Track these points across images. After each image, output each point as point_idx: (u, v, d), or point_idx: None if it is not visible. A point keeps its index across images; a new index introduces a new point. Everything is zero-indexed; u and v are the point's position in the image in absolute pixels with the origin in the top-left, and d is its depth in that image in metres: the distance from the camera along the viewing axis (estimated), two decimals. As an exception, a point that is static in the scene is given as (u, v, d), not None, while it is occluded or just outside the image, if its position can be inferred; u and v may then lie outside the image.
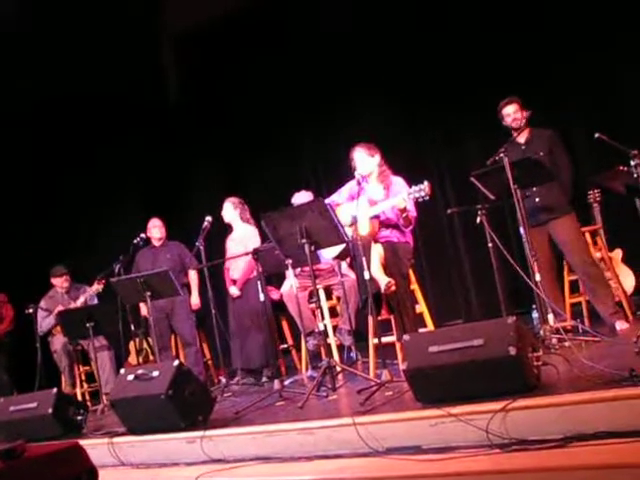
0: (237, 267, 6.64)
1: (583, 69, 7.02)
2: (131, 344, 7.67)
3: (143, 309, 7.03)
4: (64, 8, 7.71)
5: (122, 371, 4.80)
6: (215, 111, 9.12)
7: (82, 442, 3.95)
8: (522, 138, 5.50)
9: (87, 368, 7.47)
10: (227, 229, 6.85)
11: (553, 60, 7.04)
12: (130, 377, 4.56)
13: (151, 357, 7.60)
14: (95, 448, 4.52)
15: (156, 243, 7.19)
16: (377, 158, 5.27)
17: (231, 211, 6.72)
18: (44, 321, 7.24)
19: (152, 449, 4.44)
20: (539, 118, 5.45)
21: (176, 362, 4.48)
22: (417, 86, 7.86)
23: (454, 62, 7.56)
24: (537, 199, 5.40)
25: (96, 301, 7.23)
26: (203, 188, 9.26)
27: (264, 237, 6.37)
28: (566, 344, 4.55)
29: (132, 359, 7.73)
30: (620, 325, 5.22)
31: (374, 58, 7.94)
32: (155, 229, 7.16)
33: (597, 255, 5.94)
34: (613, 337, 4.92)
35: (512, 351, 3.26)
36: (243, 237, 6.66)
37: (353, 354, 6.15)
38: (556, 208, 5.38)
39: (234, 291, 6.59)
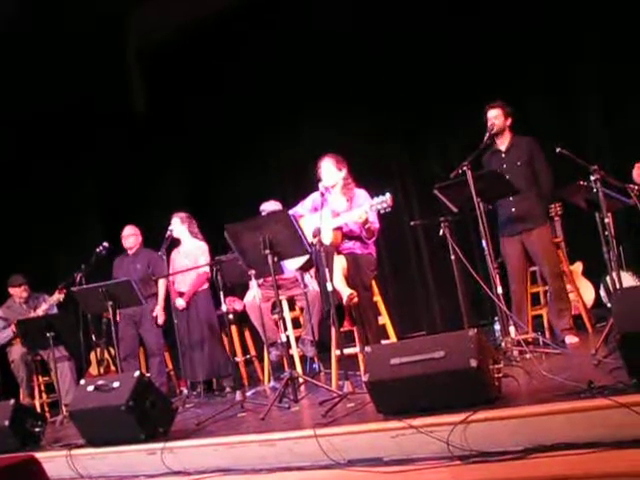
0: (184, 280, 6.63)
1: (545, 84, 7.13)
2: (92, 354, 7.57)
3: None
4: (28, 14, 7.62)
5: (82, 382, 4.74)
6: (181, 121, 9.08)
7: (40, 454, 3.92)
8: (503, 145, 5.52)
9: (47, 378, 7.35)
10: (175, 243, 6.80)
11: (516, 74, 7.13)
12: (90, 388, 4.50)
13: (112, 367, 7.52)
14: (53, 461, 4.46)
15: (129, 252, 7.10)
16: (344, 172, 5.27)
17: (179, 226, 6.71)
18: (2, 333, 7.11)
19: (112, 461, 4.38)
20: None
21: (137, 373, 4.43)
22: (383, 98, 7.90)
23: (420, 74, 7.62)
24: (513, 209, 5.43)
25: (56, 311, 7.12)
26: (168, 198, 9.18)
27: (214, 252, 6.42)
28: (527, 356, 4.61)
29: (93, 369, 7.64)
30: (570, 339, 5.29)
31: (341, 70, 7.97)
32: (127, 238, 7.07)
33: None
34: (573, 350, 4.98)
35: (473, 363, 3.28)
36: (192, 251, 6.68)
37: (316, 365, 6.15)
38: (531, 219, 5.43)
39: (181, 303, 6.56)
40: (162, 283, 6.89)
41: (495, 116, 5.45)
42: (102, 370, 7.35)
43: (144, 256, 7.07)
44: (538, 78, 7.15)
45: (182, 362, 6.50)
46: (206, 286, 6.59)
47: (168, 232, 6.30)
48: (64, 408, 6.10)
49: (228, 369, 6.42)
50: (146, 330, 6.89)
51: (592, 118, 7.11)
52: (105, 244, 6.76)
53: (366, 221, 4.87)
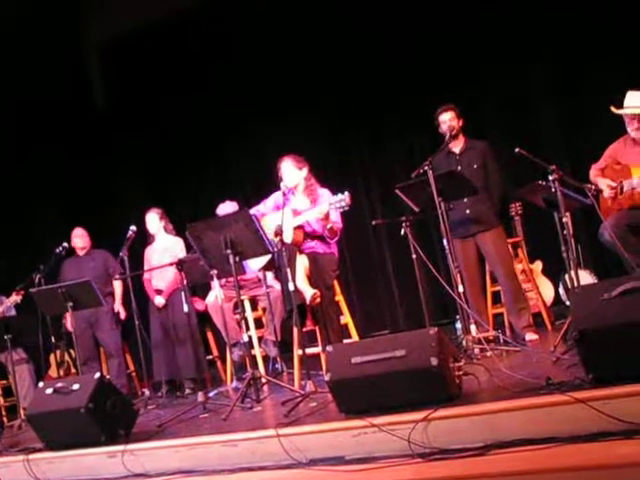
0: (163, 277, 6.60)
1: (502, 87, 7.22)
2: (52, 356, 7.46)
3: (68, 322, 6.87)
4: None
5: (41, 384, 4.66)
6: (140, 120, 8.98)
7: (-4, 459, 3.84)
8: (457, 148, 5.57)
9: (4, 382, 7.24)
10: (146, 239, 6.75)
11: (473, 77, 7.20)
12: (49, 390, 4.42)
13: (73, 370, 7.41)
14: (10, 466, 4.39)
15: (80, 252, 7.03)
16: (305, 171, 5.27)
17: (157, 221, 6.71)
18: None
19: (71, 465, 4.31)
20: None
21: (97, 374, 4.37)
22: (343, 97, 7.92)
23: (381, 74, 7.65)
24: (467, 210, 5.48)
25: (14, 312, 6.99)
26: (128, 197, 9.11)
27: (188, 248, 6.38)
28: (488, 354, 4.65)
29: (53, 372, 7.52)
30: (529, 337, 5.36)
31: (301, 70, 7.97)
32: (77, 238, 7.01)
33: (519, 267, 6.09)
34: (532, 347, 5.04)
35: (433, 361, 3.29)
36: (169, 247, 6.66)
37: (278, 365, 6.15)
38: (485, 220, 5.48)
39: (160, 301, 6.52)
40: (118, 282, 6.85)
41: (450, 118, 5.51)
42: (62, 372, 7.24)
43: (98, 255, 7.03)
44: (495, 80, 7.23)
45: (155, 361, 6.44)
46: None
47: (129, 232, 6.22)
48: (22, 412, 6.00)
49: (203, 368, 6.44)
50: (103, 331, 6.81)
51: (549, 120, 7.21)
52: (64, 244, 6.69)
53: (327, 216, 4.88)
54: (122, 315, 6.88)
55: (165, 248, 6.66)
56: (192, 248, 5.57)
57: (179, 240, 6.69)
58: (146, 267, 6.58)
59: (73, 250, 7.01)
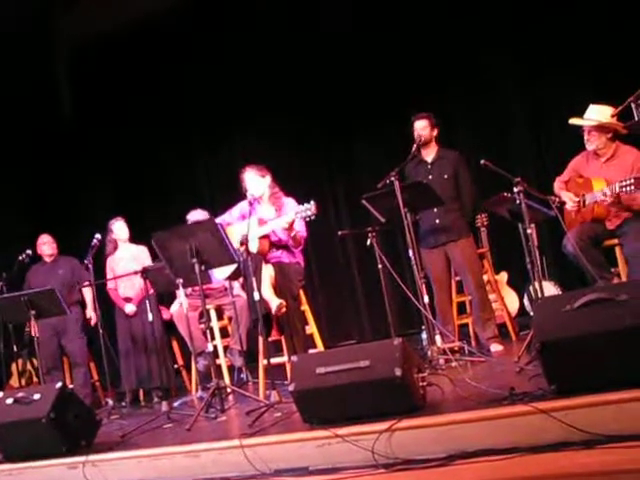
0: (132, 285, 6.58)
1: (471, 98, 7.28)
2: (13, 365, 7.34)
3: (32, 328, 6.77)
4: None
5: (1, 394, 4.58)
6: (109, 126, 8.91)
7: (-48, 472, 3.76)
8: (430, 157, 5.58)
9: (-36, 392, 7.09)
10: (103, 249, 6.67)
11: (443, 86, 7.26)
12: (9, 400, 4.34)
13: (35, 379, 7.30)
14: (-33, 479, 4.30)
15: (47, 259, 6.92)
16: (268, 179, 5.28)
17: (126, 229, 6.69)
18: None
19: (31, 477, 4.23)
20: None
21: (59, 384, 4.31)
22: (310, 106, 7.93)
23: (348, 84, 7.68)
24: (437, 220, 5.49)
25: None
26: (97, 207, 9.02)
27: (153, 256, 6.34)
28: (453, 364, 4.69)
29: (14, 381, 7.41)
30: (494, 348, 5.38)
31: (269, 80, 7.97)
32: (45, 245, 6.90)
33: (484, 278, 6.13)
34: (497, 357, 5.08)
35: (397, 372, 3.30)
36: (137, 256, 6.64)
37: (243, 375, 6.13)
38: (456, 230, 5.49)
39: (132, 308, 6.49)
40: (89, 289, 6.76)
41: (422, 127, 5.51)
42: (24, 382, 7.12)
43: (66, 262, 6.92)
44: (465, 91, 7.30)
45: (123, 370, 6.39)
46: (152, 291, 6.51)
47: (94, 240, 6.15)
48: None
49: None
50: (70, 340, 6.70)
51: (518, 133, 7.29)
52: (28, 252, 6.56)
53: (292, 226, 4.88)
54: (93, 321, 6.74)
55: (132, 257, 6.62)
56: (157, 256, 5.55)
57: (144, 248, 6.66)
58: (110, 276, 6.51)
59: (38, 257, 6.90)
